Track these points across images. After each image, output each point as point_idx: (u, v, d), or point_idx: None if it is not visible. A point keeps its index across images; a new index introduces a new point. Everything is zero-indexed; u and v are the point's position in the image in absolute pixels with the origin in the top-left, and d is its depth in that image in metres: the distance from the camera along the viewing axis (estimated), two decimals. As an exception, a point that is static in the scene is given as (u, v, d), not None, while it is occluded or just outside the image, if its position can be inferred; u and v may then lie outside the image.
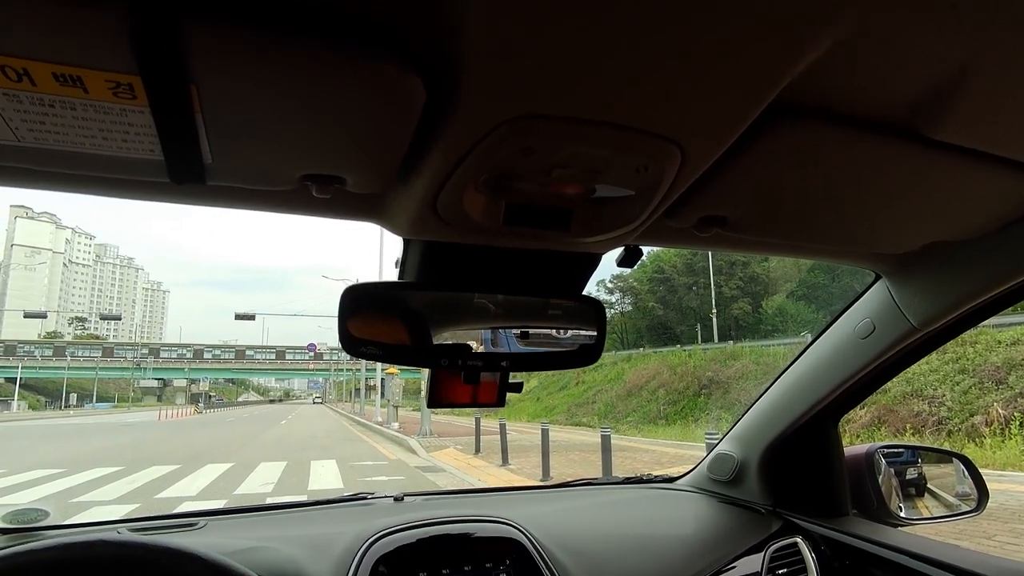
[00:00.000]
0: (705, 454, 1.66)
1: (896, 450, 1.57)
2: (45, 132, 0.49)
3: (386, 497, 1.40)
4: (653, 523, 1.39)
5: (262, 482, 8.82)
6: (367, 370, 34.46)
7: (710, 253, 35.79)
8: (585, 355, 0.92)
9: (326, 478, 9.22)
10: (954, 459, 1.60)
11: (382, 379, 24.76)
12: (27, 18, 0.39)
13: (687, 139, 0.57)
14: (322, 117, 0.51)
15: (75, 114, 0.47)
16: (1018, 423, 10.49)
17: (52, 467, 10.53)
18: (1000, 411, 11.10)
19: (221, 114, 0.49)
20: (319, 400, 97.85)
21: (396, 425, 19.28)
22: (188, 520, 1.17)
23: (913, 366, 1.31)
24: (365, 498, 1.41)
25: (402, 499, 1.38)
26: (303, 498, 1.57)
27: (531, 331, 0.93)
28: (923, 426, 12.06)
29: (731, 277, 38.49)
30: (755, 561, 1.24)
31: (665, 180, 0.64)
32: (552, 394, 33.89)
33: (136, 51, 0.41)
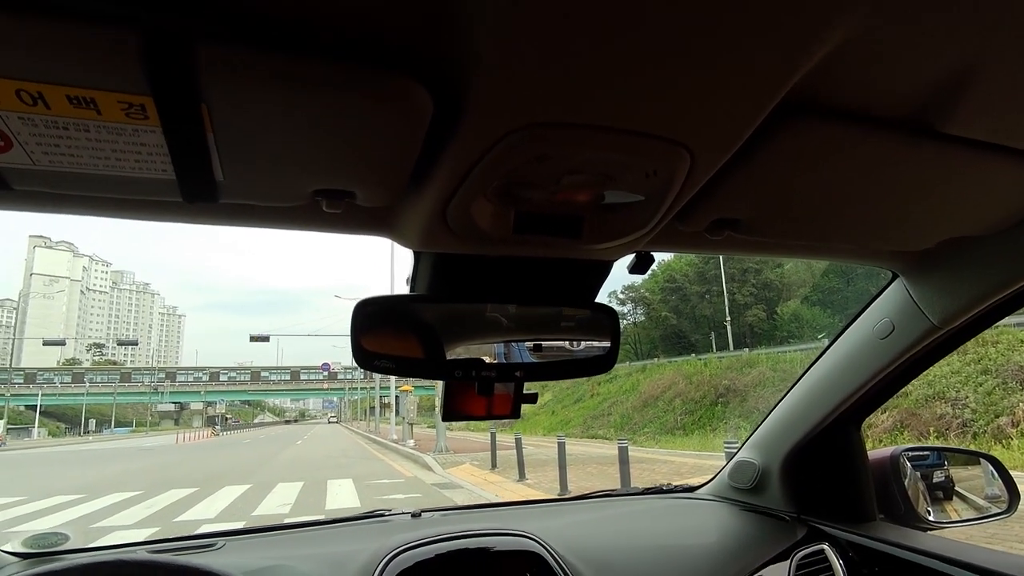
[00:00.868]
0: (725, 463, 1.64)
1: (921, 453, 1.54)
2: (60, 155, 0.50)
3: (403, 514, 1.39)
4: (675, 533, 1.36)
5: (279, 503, 8.81)
6: (381, 388, 34.50)
7: (721, 260, 35.66)
8: (600, 363, 0.92)
9: (343, 497, 9.19)
10: (982, 460, 1.56)
11: (396, 397, 24.76)
12: (42, 43, 0.40)
13: (696, 141, 0.57)
14: (331, 133, 0.51)
15: (89, 136, 0.47)
16: (1046, 423, 10.28)
17: (72, 493, 10.60)
18: (1027, 411, 10.87)
19: (232, 132, 0.49)
20: (334, 419, 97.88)
21: (411, 442, 19.22)
22: (207, 541, 1.17)
23: (934, 368, 1.29)
24: (383, 515, 1.40)
25: (419, 515, 1.37)
26: (321, 517, 1.56)
27: (544, 342, 0.92)
28: (947, 429, 11.84)
29: (744, 284, 38.24)
30: (781, 569, 1.21)
31: (675, 184, 0.64)
32: (567, 407, 33.69)
33: (148, 72, 0.41)
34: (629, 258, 0.91)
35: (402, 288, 0.93)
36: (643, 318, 46.76)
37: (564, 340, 0.94)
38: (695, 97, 0.51)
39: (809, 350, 20.36)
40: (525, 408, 0.95)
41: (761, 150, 0.62)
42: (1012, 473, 1.49)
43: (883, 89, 0.58)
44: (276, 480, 11.67)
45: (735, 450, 1.61)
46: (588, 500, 1.64)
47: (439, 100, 0.49)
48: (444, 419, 0.95)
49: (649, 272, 0.95)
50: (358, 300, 0.82)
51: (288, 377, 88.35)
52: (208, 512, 8.24)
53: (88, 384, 79.65)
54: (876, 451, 1.45)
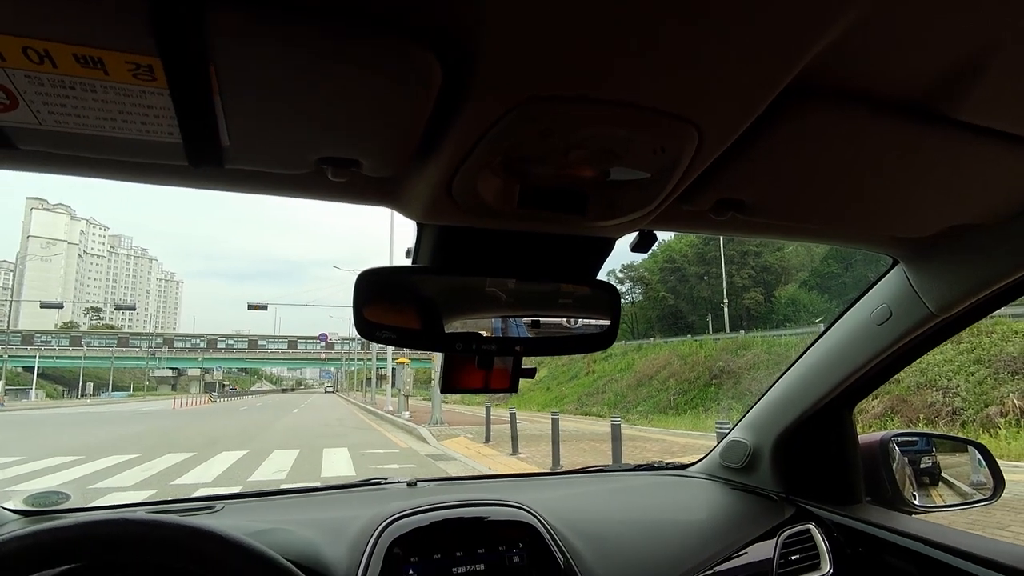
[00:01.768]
0: (716, 443, 1.66)
1: (911, 438, 1.56)
2: (66, 115, 0.49)
3: (399, 482, 1.41)
4: (665, 509, 1.39)
5: (276, 469, 8.92)
6: (378, 359, 34.66)
7: (721, 242, 35.61)
8: (599, 340, 0.92)
9: (338, 465, 9.31)
10: (969, 447, 1.58)
11: (393, 368, 24.92)
12: (49, 0, 0.39)
13: (705, 119, 0.57)
14: (339, 99, 0.51)
15: (95, 96, 0.47)
16: (1034, 414, 10.40)
17: (70, 455, 10.71)
18: (1016, 402, 10.98)
19: (239, 95, 0.49)
20: (331, 389, 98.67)
21: (407, 414, 19.40)
22: (205, 503, 1.19)
23: (927, 356, 1.31)
24: (379, 483, 1.42)
25: (415, 484, 1.39)
26: (317, 484, 1.59)
27: (545, 318, 0.93)
28: (937, 416, 11.97)
29: (743, 266, 38.25)
30: (767, 547, 1.24)
31: (682, 162, 0.63)
32: (562, 384, 33.95)
33: (156, 32, 0.41)
34: (631, 236, 0.91)
35: (400, 260, 0.93)
36: (641, 298, 46.85)
37: (565, 316, 0.94)
38: (706, 74, 0.50)
39: (805, 334, 20.46)
40: (520, 384, 0.96)
41: (769, 130, 0.62)
42: (999, 462, 1.51)
43: (894, 72, 0.57)
44: (272, 447, 11.81)
45: (726, 430, 1.63)
46: (581, 475, 1.66)
47: (448, 69, 0.49)
48: (443, 391, 0.96)
49: (648, 251, 0.95)
50: (360, 271, 0.82)
51: (285, 346, 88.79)
52: (205, 476, 8.34)
53: (86, 348, 80.00)
54: (867, 435, 1.47)
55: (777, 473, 1.46)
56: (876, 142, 0.68)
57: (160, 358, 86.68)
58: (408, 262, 0.92)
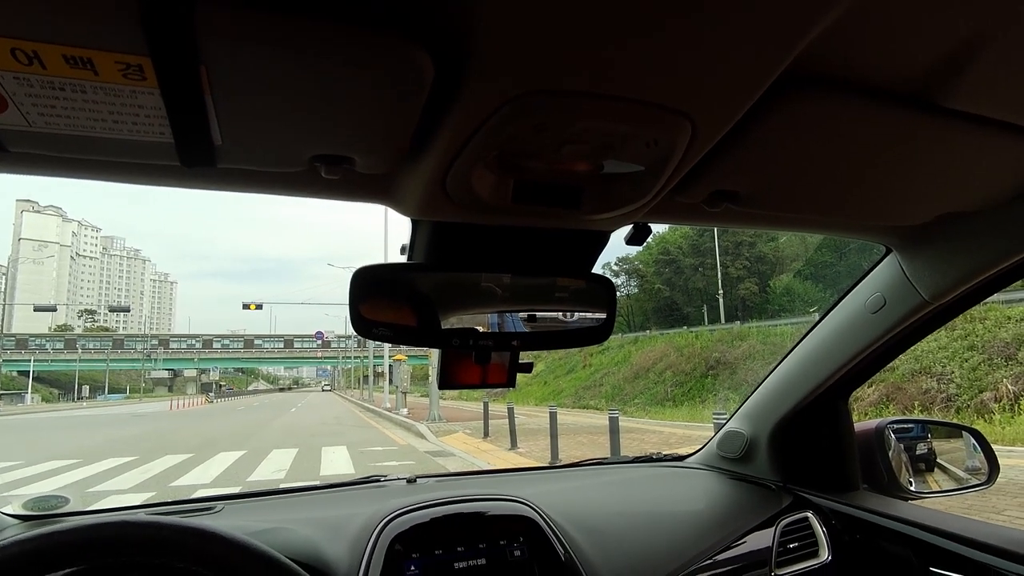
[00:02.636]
0: (713, 434, 1.67)
1: (906, 425, 1.57)
2: (56, 116, 0.49)
3: (399, 479, 1.41)
4: (664, 500, 1.40)
5: (275, 469, 8.92)
6: (375, 357, 34.63)
7: (716, 233, 35.66)
8: (596, 333, 0.92)
9: (337, 463, 9.32)
10: (964, 432, 1.60)
11: (390, 366, 24.90)
12: (38, 0, 0.39)
13: (698, 111, 0.57)
14: (331, 96, 0.50)
15: (85, 97, 0.47)
16: (1028, 399, 10.48)
17: (67, 458, 10.67)
18: (1010, 387, 11.07)
19: (230, 94, 0.48)
20: (328, 388, 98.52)
21: (405, 411, 19.42)
22: (205, 504, 1.19)
23: (921, 343, 1.32)
24: (378, 480, 1.43)
25: (415, 481, 1.39)
26: (317, 482, 1.59)
27: (540, 312, 0.93)
28: (931, 403, 12.06)
29: (737, 257, 38.34)
30: (766, 536, 1.25)
31: (675, 154, 0.63)
32: (559, 377, 34.01)
33: (146, 32, 0.41)
34: (625, 229, 0.91)
35: (395, 257, 0.93)
36: (636, 290, 46.94)
37: (561, 310, 0.94)
38: (699, 66, 0.50)
39: (799, 324, 20.56)
40: (518, 378, 0.96)
41: (762, 121, 0.62)
42: (993, 447, 1.52)
43: (887, 61, 0.58)
44: (271, 447, 11.80)
45: (723, 421, 1.64)
46: (579, 468, 1.67)
47: (440, 65, 0.48)
48: (440, 387, 0.96)
49: (643, 244, 0.95)
50: (355, 268, 0.82)
51: (282, 345, 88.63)
52: (203, 477, 8.33)
53: (80, 350, 79.72)
54: (862, 423, 1.49)
55: (774, 462, 1.47)
56: (869, 131, 0.68)
57: (156, 359, 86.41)
58: (403, 259, 0.92)
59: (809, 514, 1.32)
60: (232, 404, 43.73)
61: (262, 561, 0.72)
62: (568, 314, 0.94)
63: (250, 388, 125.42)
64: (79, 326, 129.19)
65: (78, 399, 71.52)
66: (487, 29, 0.45)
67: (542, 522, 1.09)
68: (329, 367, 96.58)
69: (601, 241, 0.90)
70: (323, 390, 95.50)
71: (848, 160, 0.75)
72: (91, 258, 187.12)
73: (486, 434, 12.49)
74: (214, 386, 74.26)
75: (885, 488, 1.41)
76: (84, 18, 0.40)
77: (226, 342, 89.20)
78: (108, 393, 77.83)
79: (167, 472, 8.92)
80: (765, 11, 0.45)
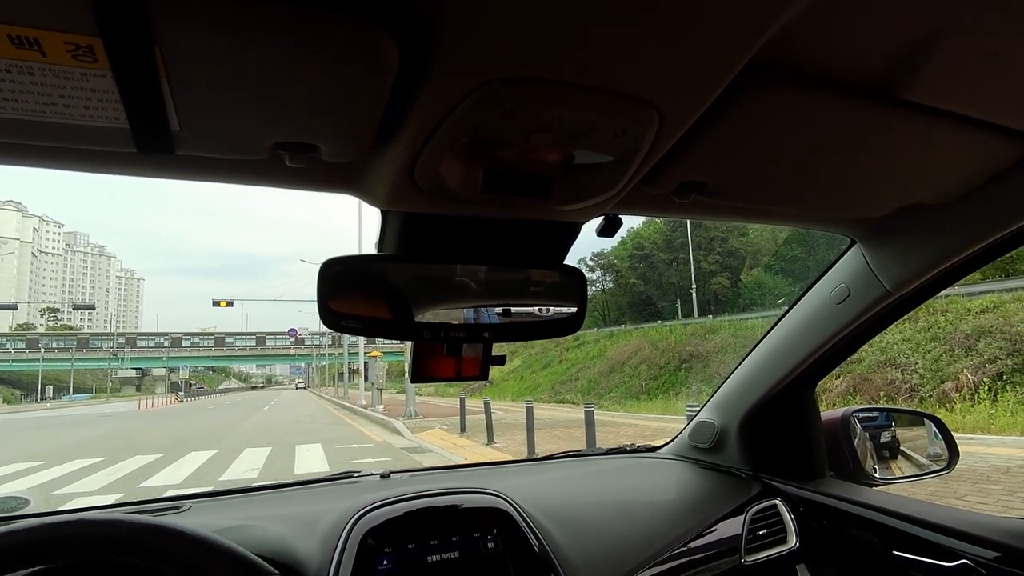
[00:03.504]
0: (686, 425, 1.69)
1: (870, 414, 1.61)
2: (3, 100, 0.47)
3: (372, 475, 1.40)
4: (637, 490, 1.41)
5: (247, 468, 8.78)
6: (350, 354, 34.29)
7: (688, 228, 36.09)
8: (567, 324, 0.93)
9: (312, 462, 9.21)
10: (926, 420, 1.64)
11: (365, 362, 24.69)
12: None
13: (665, 101, 0.57)
14: (293, 80, 0.49)
15: (33, 79, 0.45)
16: (986, 388, 10.85)
17: (31, 460, 10.37)
18: (969, 377, 11.45)
19: (187, 78, 0.47)
20: (302, 385, 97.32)
21: (381, 408, 19.29)
22: (172, 503, 1.16)
23: (886, 335, 1.35)
24: (351, 476, 1.41)
25: (388, 476, 1.38)
26: (289, 479, 1.57)
27: (513, 305, 0.92)
28: (896, 393, 12.40)
29: (710, 251, 38.94)
30: (736, 523, 1.27)
31: (643, 145, 0.64)
32: (535, 372, 34.14)
33: (95, 10, 0.39)
34: (597, 221, 0.91)
35: (369, 251, 0.92)
36: (611, 285, 47.36)
37: (533, 302, 0.94)
38: (664, 56, 0.50)
39: (769, 317, 20.93)
40: (494, 374, 0.96)
41: (728, 113, 0.63)
42: (953, 434, 1.57)
43: (848, 53, 0.59)
44: (243, 446, 11.61)
45: (696, 412, 1.66)
46: (554, 460, 1.68)
47: (405, 52, 0.48)
48: (413, 380, 0.95)
49: (618, 239, 0.97)
50: (324, 260, 0.81)
51: (254, 343, 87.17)
52: (173, 478, 8.17)
53: (43, 350, 77.28)
54: (829, 412, 1.52)
55: (744, 452, 1.50)
56: (832, 123, 0.69)
57: (123, 358, 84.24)
58: (376, 250, 0.90)
59: (777, 501, 1.35)
60: (203, 403, 42.89)
61: (226, 557, 0.71)
62: (540, 306, 0.94)
63: (222, 387, 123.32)
64: (42, 325, 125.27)
65: (42, 400, 69.46)
66: (452, 15, 0.44)
67: (516, 514, 1.09)
68: (303, 364, 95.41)
69: (572, 232, 0.90)
70: (297, 388, 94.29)
71: (812, 152, 0.76)
72: (53, 255, 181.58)
73: (463, 429, 12.47)
74: (184, 385, 72.76)
75: (851, 475, 1.44)
76: None
77: (196, 340, 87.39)
78: (73, 393, 75.71)
79: (136, 473, 8.72)
80: (727, 3, 0.45)
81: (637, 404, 20.83)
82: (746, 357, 1.49)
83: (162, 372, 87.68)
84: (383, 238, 0.86)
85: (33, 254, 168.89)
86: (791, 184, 0.86)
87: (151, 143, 0.55)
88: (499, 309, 0.89)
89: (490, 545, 1.05)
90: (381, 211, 0.81)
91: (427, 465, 8.41)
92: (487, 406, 11.40)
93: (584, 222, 0.88)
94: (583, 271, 0.96)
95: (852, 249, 1.20)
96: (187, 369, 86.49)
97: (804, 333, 1.32)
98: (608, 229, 0.93)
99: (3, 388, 74.78)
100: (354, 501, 1.07)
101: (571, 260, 0.96)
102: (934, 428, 1.61)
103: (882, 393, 12.53)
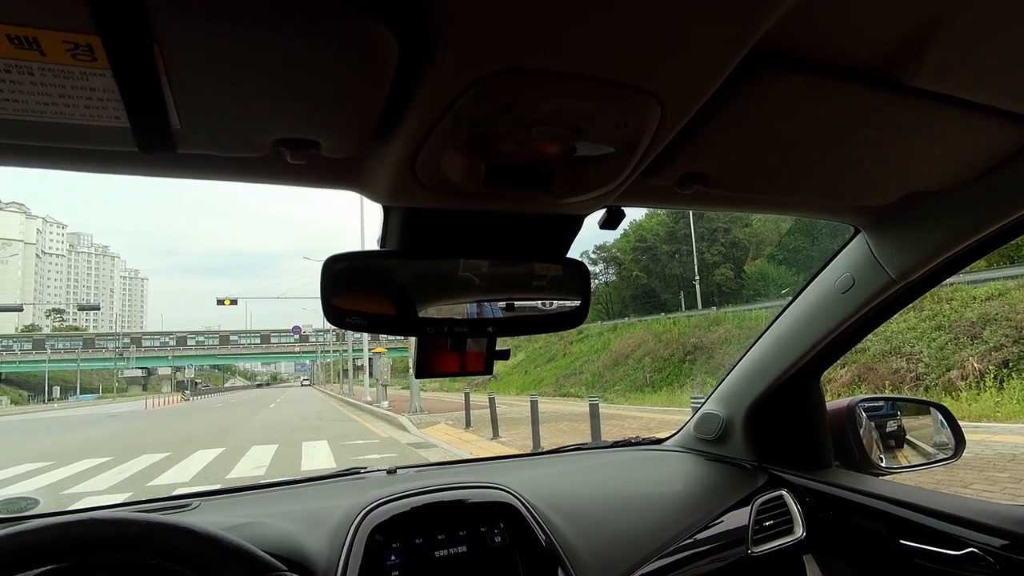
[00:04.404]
0: (691, 417, 1.69)
1: (876, 403, 1.61)
2: (3, 101, 0.47)
3: (379, 471, 1.41)
4: (642, 483, 1.41)
5: (254, 465, 8.83)
6: (354, 350, 34.36)
7: (691, 219, 35.97)
8: (571, 317, 0.92)
9: (318, 458, 9.25)
10: (932, 408, 1.64)
11: (370, 358, 24.73)
12: None
13: (666, 91, 0.57)
14: (293, 76, 0.49)
15: (33, 79, 0.44)
16: (992, 376, 10.80)
17: (40, 461, 10.43)
18: (975, 365, 11.40)
19: (187, 75, 0.47)
20: (307, 382, 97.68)
21: (386, 403, 19.33)
22: (182, 501, 1.17)
23: (891, 324, 1.35)
24: (358, 472, 1.42)
25: (395, 471, 1.39)
26: (296, 476, 1.57)
27: (516, 299, 0.92)
28: (901, 382, 12.37)
29: (713, 243, 38.84)
30: (742, 515, 1.27)
31: (645, 135, 0.63)
32: (540, 366, 34.14)
33: (94, 8, 0.38)
34: (599, 213, 0.91)
35: (372, 246, 0.92)
36: (614, 277, 47.32)
37: (536, 295, 0.94)
38: (665, 45, 0.50)
39: (773, 307, 20.89)
40: (499, 368, 0.96)
41: (730, 102, 0.62)
42: (960, 422, 1.57)
43: (850, 40, 0.58)
44: (250, 443, 11.67)
45: (700, 404, 1.66)
46: (559, 454, 1.68)
47: (405, 45, 0.47)
48: (417, 376, 0.95)
49: (620, 231, 0.96)
50: (327, 257, 0.81)
51: (258, 340, 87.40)
52: (181, 476, 8.21)
53: (50, 351, 77.68)
54: (834, 402, 1.52)
55: (749, 442, 1.49)
56: (836, 111, 0.69)
57: (128, 358, 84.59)
58: (379, 245, 0.90)
59: (784, 492, 1.35)
60: (209, 401, 43.09)
61: (236, 554, 0.71)
62: (543, 300, 0.94)
63: (227, 385, 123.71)
64: (47, 326, 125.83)
65: (49, 400, 69.84)
66: (451, 8, 0.44)
67: (523, 508, 1.09)
68: (308, 361, 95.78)
69: (575, 225, 0.90)
70: (302, 385, 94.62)
71: (815, 140, 0.75)
72: (58, 255, 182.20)
73: (468, 424, 12.50)
74: (190, 383, 73.03)
75: (857, 465, 1.44)
76: None
77: (201, 338, 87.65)
78: (80, 393, 76.08)
79: (144, 472, 8.77)
80: None
81: (642, 397, 20.82)
82: (750, 348, 1.49)
83: (168, 371, 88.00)
84: (385, 234, 0.86)
85: (37, 255, 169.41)
86: (795, 173, 0.86)
87: (152, 142, 0.55)
88: (502, 303, 0.89)
89: (497, 539, 1.05)
90: (383, 207, 0.81)
91: (433, 460, 8.43)
92: (492, 400, 11.41)
93: (587, 215, 0.88)
94: (586, 264, 0.96)
95: (856, 238, 1.20)
96: (192, 368, 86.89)
97: (809, 323, 1.31)
98: (610, 222, 0.93)
99: (10, 389, 75.16)
100: (361, 497, 1.07)
101: (574, 253, 0.96)
102: (940, 417, 1.60)
103: (887, 382, 12.49)
